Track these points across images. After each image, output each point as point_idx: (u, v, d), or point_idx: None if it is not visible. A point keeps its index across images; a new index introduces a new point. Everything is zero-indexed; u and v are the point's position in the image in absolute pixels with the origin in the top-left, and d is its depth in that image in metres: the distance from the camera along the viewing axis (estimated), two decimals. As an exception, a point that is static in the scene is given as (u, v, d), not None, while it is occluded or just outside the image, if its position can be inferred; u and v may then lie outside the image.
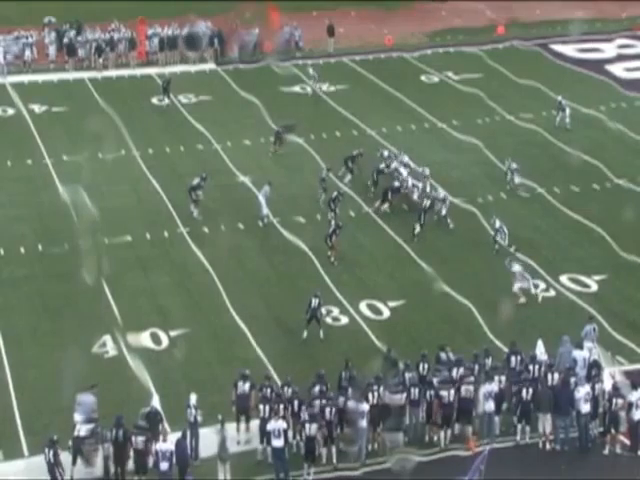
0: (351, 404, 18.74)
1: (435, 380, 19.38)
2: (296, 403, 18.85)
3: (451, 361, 19.98)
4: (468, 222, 28.18)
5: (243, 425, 19.14)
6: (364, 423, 18.55)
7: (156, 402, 18.97)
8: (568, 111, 34.30)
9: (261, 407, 18.57)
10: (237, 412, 19.07)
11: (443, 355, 20.21)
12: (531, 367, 19.62)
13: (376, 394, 18.92)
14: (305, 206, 29.15)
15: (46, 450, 17.66)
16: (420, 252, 26.44)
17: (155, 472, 17.90)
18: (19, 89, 38.38)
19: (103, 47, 40.72)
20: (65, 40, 40.78)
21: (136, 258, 26.25)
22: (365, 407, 18.63)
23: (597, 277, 25.36)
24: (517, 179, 29.88)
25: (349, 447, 18.87)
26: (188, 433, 18.32)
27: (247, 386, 19.02)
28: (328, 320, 23.51)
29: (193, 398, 18.61)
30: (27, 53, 40.27)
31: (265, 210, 27.85)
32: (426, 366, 19.82)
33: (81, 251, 26.24)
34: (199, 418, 18.48)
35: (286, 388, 19.16)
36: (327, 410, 18.58)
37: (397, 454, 18.66)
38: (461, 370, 19.50)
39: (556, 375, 19.44)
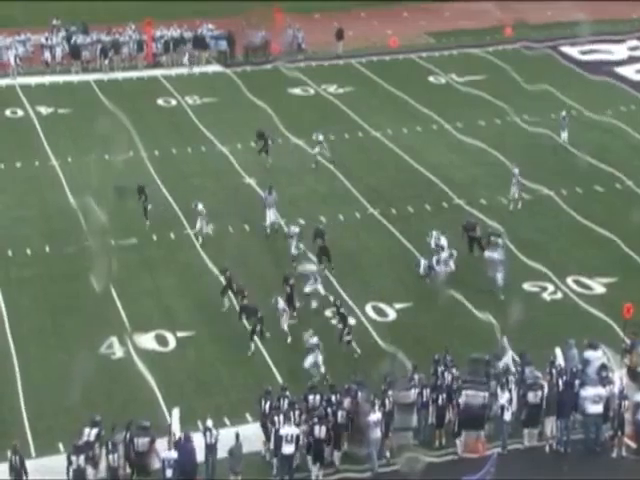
0: (362, 412, 18.65)
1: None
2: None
3: (447, 365, 19.93)
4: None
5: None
6: (378, 433, 18.45)
7: (175, 416, 18.83)
8: (565, 134, 33.10)
9: (276, 419, 18.47)
10: (262, 427, 18.94)
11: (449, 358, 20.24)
12: (554, 371, 19.54)
13: (391, 399, 18.87)
14: (309, 208, 29.14)
15: (86, 430, 17.79)
16: (426, 254, 26.32)
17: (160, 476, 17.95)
18: (26, 91, 38.51)
19: (108, 49, 40.82)
20: (71, 42, 40.90)
21: (142, 260, 26.28)
22: (377, 416, 18.51)
23: (605, 280, 25.26)
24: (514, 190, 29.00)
25: (357, 450, 18.85)
26: (204, 453, 18.23)
27: (268, 405, 18.89)
28: (334, 322, 23.52)
29: (210, 422, 18.51)
30: (47, 54, 40.45)
31: (269, 219, 27.23)
32: (440, 369, 19.74)
33: (88, 252, 26.30)
34: (215, 440, 18.34)
35: (312, 395, 19.12)
36: (339, 414, 18.57)
37: (406, 455, 18.60)
38: (454, 372, 19.53)
39: (564, 378, 19.43)
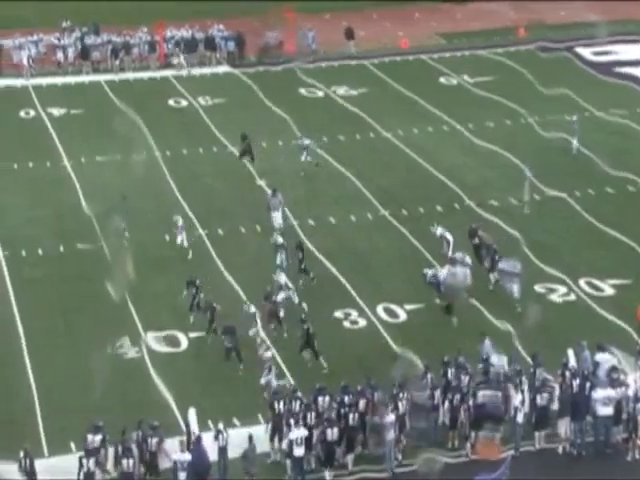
0: (377, 418, 18.67)
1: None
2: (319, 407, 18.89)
3: (465, 367, 19.95)
4: (486, 226, 28.04)
5: (277, 444, 19.01)
6: (392, 434, 18.47)
7: (192, 416, 18.86)
8: (576, 140, 32.53)
9: (291, 421, 18.45)
10: (272, 431, 18.91)
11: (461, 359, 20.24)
12: (567, 373, 19.54)
13: (404, 402, 18.87)
14: (319, 209, 29.05)
15: (89, 436, 17.81)
16: (437, 255, 26.29)
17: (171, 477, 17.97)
18: (39, 91, 38.65)
19: (119, 49, 40.92)
20: (80, 43, 41.00)
21: (154, 260, 26.28)
22: (392, 418, 18.52)
23: (619, 282, 25.12)
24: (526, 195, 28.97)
25: (373, 450, 18.87)
26: (217, 455, 18.26)
27: (281, 407, 18.87)
28: (346, 324, 23.53)
29: (221, 425, 18.51)
30: (59, 55, 40.61)
31: (276, 221, 27.13)
32: (451, 371, 19.74)
33: (100, 253, 26.37)
34: (226, 442, 18.32)
35: (321, 397, 19.06)
36: (350, 416, 18.57)
37: (423, 455, 18.56)
38: (470, 370, 19.53)
39: (578, 380, 19.41)
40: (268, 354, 20.72)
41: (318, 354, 21.50)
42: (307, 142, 31.45)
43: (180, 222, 26.40)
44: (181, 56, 41.03)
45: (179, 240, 26.32)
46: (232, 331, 21.67)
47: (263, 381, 20.27)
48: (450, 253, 25.02)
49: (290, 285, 23.61)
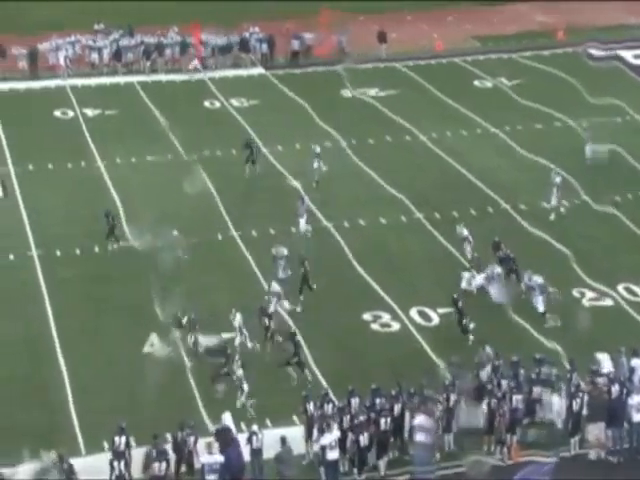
0: (420, 420, 18.57)
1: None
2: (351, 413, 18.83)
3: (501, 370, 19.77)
4: (516, 229, 27.77)
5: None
6: (429, 438, 18.42)
7: (228, 419, 18.91)
8: (588, 146, 31.89)
9: (324, 426, 18.40)
10: (306, 431, 18.95)
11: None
12: (601, 380, 19.42)
13: (440, 406, 18.84)
14: (351, 211, 28.93)
15: (116, 438, 17.84)
16: (470, 261, 26.10)
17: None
18: (75, 92, 38.94)
19: (151, 51, 41.12)
20: (115, 45, 41.25)
21: (188, 260, 26.28)
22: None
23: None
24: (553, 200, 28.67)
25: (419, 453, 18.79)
26: (249, 458, 18.28)
27: (312, 409, 18.89)
28: (376, 326, 23.37)
29: (255, 426, 18.56)
30: (93, 56, 40.92)
31: (302, 227, 27.25)
32: (482, 373, 19.66)
33: (133, 252, 26.47)
34: (261, 444, 18.33)
35: (353, 399, 19.05)
36: (382, 421, 18.49)
37: (471, 458, 18.48)
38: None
39: (617, 387, 19.20)
40: (239, 372, 20.49)
41: (293, 368, 21.19)
42: (319, 150, 31.07)
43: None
44: (195, 60, 41.10)
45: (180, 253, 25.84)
46: (223, 351, 21.34)
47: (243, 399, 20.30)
48: (469, 255, 25.33)
49: (282, 297, 23.46)
